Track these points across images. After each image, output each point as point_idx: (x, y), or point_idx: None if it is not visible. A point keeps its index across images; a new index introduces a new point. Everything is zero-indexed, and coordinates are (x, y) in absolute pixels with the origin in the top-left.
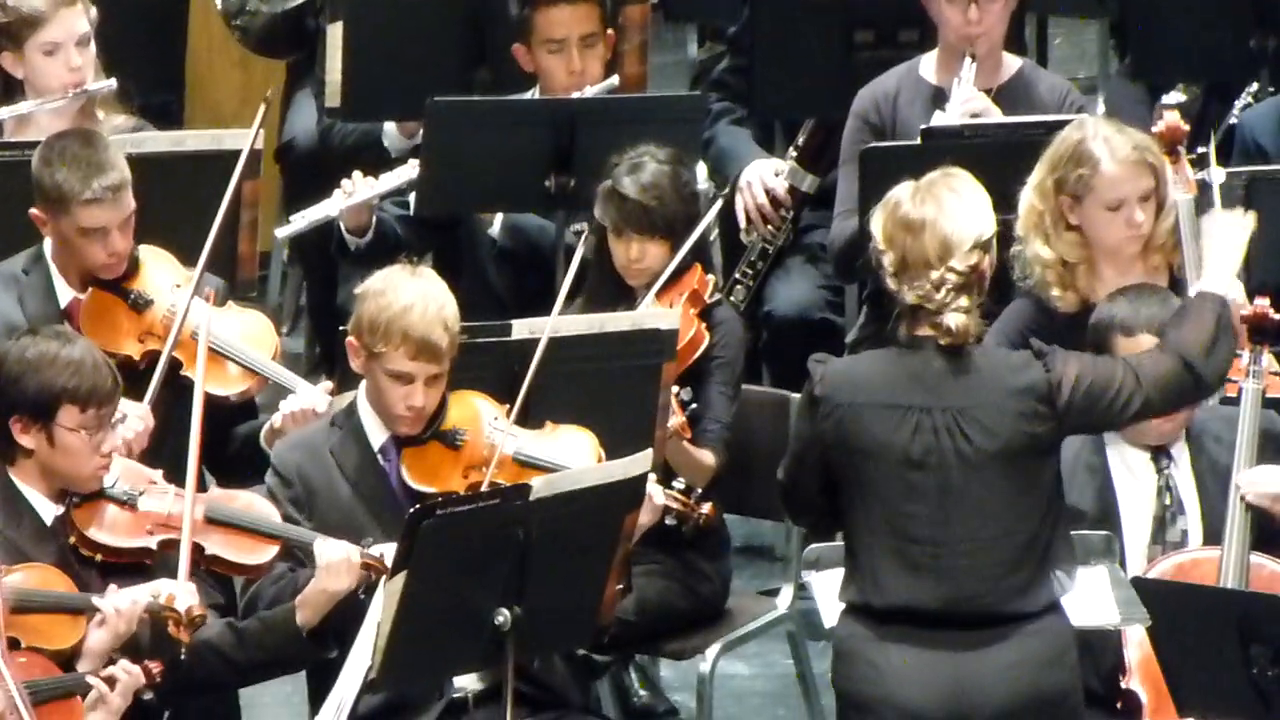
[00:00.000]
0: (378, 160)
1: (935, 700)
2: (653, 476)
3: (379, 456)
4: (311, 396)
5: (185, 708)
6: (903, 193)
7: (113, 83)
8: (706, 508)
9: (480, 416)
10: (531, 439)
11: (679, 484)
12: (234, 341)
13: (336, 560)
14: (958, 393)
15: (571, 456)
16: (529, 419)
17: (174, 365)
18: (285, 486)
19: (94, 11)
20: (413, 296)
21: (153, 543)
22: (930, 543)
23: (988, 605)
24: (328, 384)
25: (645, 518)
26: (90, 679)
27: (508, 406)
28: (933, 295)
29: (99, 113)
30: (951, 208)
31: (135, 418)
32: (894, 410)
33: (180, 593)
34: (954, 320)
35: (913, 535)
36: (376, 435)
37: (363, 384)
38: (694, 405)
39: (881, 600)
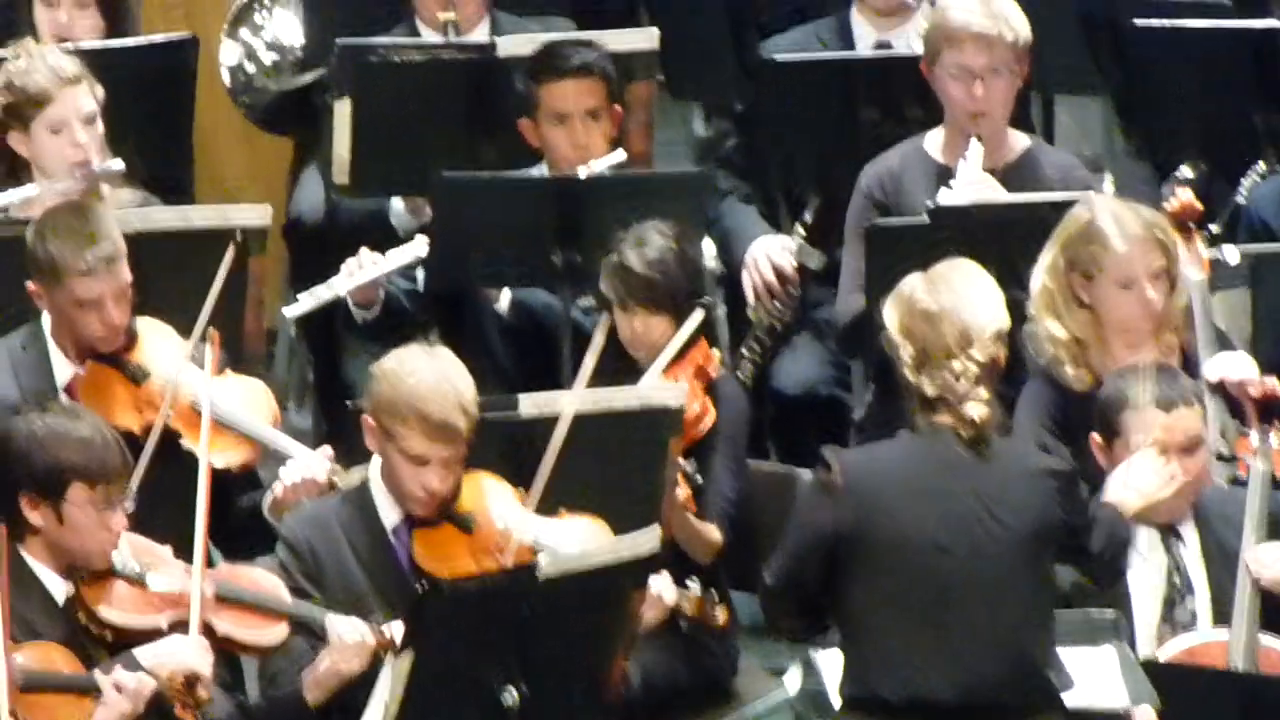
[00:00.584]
0: (385, 237)
1: None
2: (666, 574)
3: (391, 536)
4: (311, 463)
5: None
6: (915, 284)
7: (120, 163)
8: (720, 612)
9: (494, 501)
10: (546, 527)
11: (694, 586)
12: (231, 410)
13: (351, 641)
14: (985, 478)
15: (585, 546)
16: (542, 503)
17: (173, 436)
18: (298, 560)
19: (100, 90)
20: (431, 379)
21: (162, 621)
22: (952, 629)
23: (1003, 696)
24: (327, 449)
25: (652, 613)
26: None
27: (521, 491)
28: (954, 386)
29: (105, 188)
30: (969, 297)
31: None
32: (921, 498)
33: (191, 657)
34: (976, 411)
35: (934, 622)
36: (389, 514)
37: (376, 460)
38: (698, 477)
39: (895, 692)
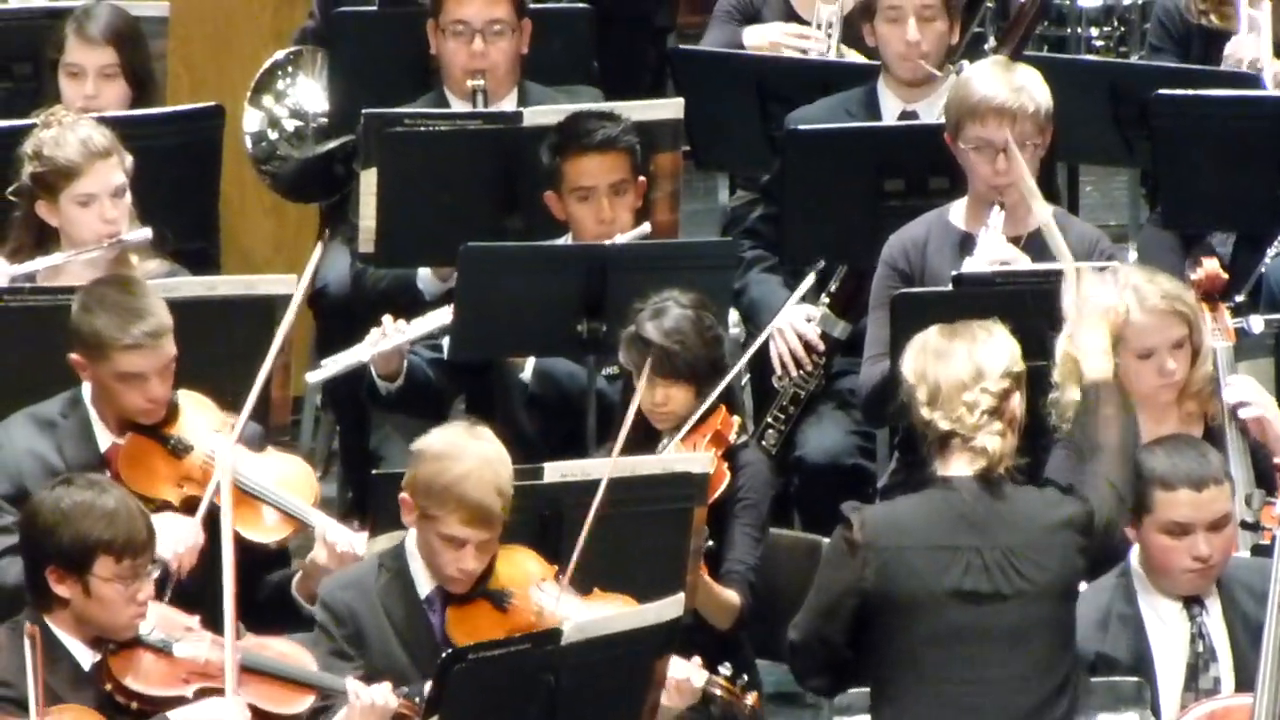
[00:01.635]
0: (411, 304)
1: None
2: (697, 660)
3: (425, 606)
4: (353, 538)
5: None
6: (931, 332)
7: (148, 232)
8: (751, 698)
9: (529, 578)
10: (579, 606)
11: (725, 670)
12: (272, 487)
13: (371, 704)
14: (1005, 530)
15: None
16: (576, 581)
17: (214, 512)
18: (339, 625)
19: (130, 161)
20: (471, 463)
21: (189, 691)
22: (976, 683)
23: None
24: (363, 534)
25: (681, 701)
26: None
27: (555, 569)
28: (965, 419)
29: (133, 258)
30: (982, 340)
31: (187, 532)
32: (943, 552)
33: (229, 716)
34: (990, 442)
35: (958, 677)
36: (424, 584)
37: (412, 530)
38: (710, 544)
39: None
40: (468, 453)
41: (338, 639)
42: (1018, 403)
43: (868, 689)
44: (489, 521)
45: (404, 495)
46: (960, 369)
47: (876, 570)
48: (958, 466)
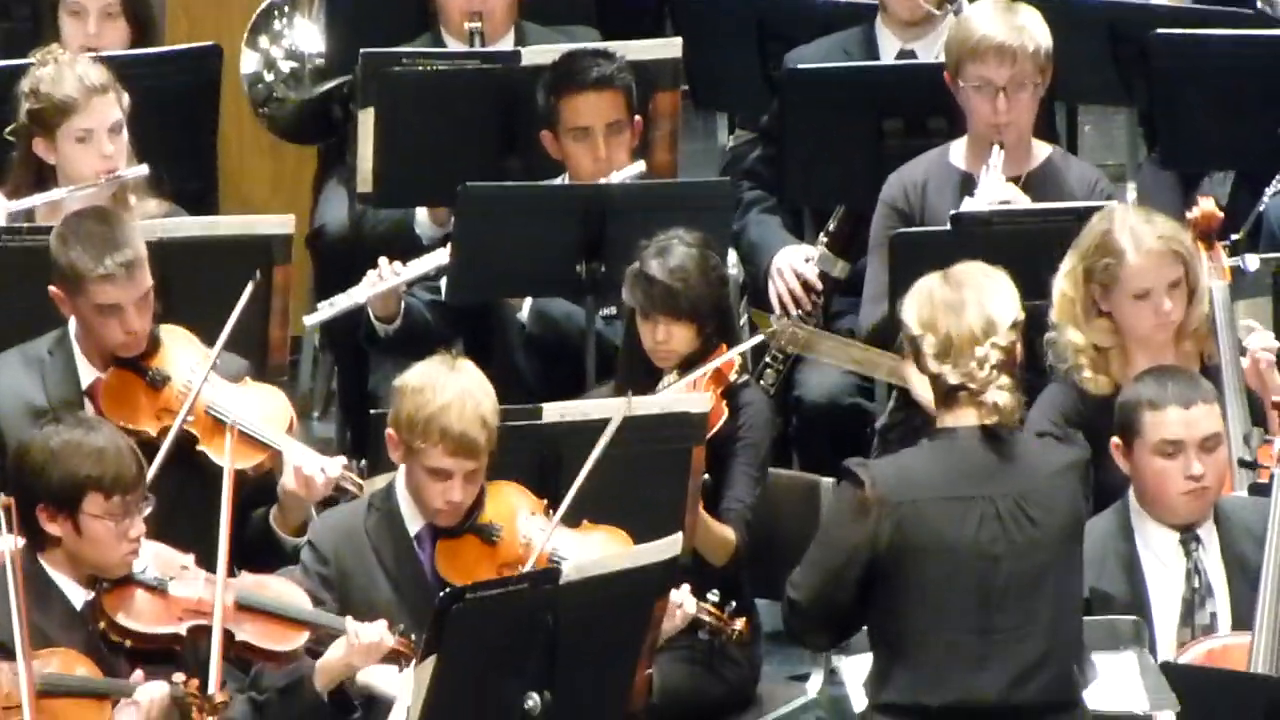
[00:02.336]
0: (409, 248)
1: None
2: (687, 587)
3: (414, 544)
4: (324, 462)
5: None
6: (934, 280)
7: (144, 169)
8: (740, 623)
9: (517, 512)
10: (568, 537)
11: (714, 596)
12: (246, 415)
13: (369, 641)
14: (1013, 478)
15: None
16: (566, 514)
17: (190, 441)
18: (320, 564)
19: (126, 99)
20: (452, 394)
21: (182, 629)
22: (995, 631)
23: (1044, 693)
24: (341, 458)
25: (670, 624)
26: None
27: (545, 503)
28: (976, 374)
29: (131, 198)
30: (989, 289)
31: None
32: (958, 502)
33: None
34: (999, 397)
35: (977, 626)
36: (413, 521)
37: (402, 468)
38: (707, 478)
39: (938, 698)
40: (448, 384)
41: (314, 576)
42: (1019, 350)
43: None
44: (473, 451)
45: (389, 431)
46: (972, 322)
47: (893, 526)
48: (965, 417)
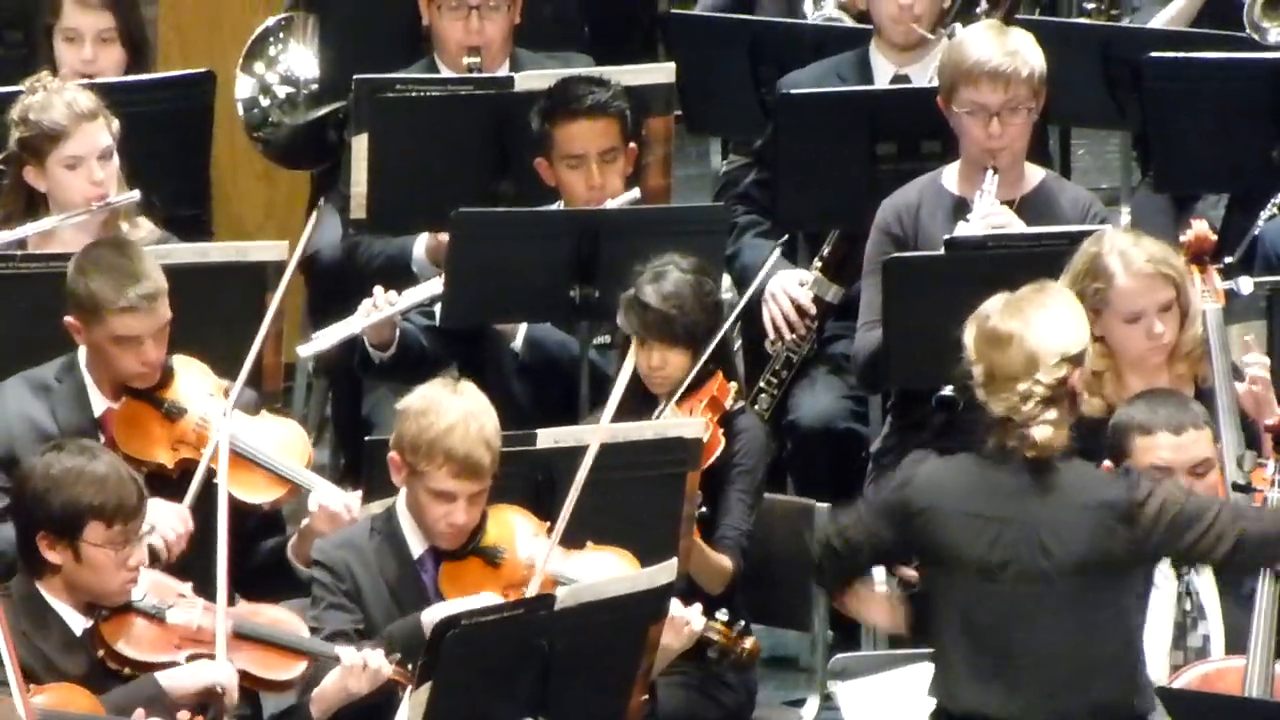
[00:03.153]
0: (406, 282)
1: None
2: (698, 607)
3: (417, 566)
4: (348, 499)
5: None
6: (993, 306)
7: (135, 195)
8: (749, 642)
9: (519, 534)
10: (570, 559)
11: (722, 615)
12: (267, 450)
13: (364, 667)
14: (1038, 507)
15: (610, 577)
16: (568, 537)
17: (208, 477)
18: (338, 580)
19: (116, 124)
20: (456, 416)
21: (181, 657)
22: (1001, 654)
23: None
24: (358, 493)
25: (677, 642)
26: None
27: (547, 525)
28: (1019, 408)
29: (123, 224)
30: (1038, 322)
31: (176, 519)
32: (976, 520)
33: (215, 673)
34: (1040, 433)
35: (984, 645)
36: (415, 545)
37: (402, 491)
38: (704, 509)
39: (955, 706)
40: (452, 407)
41: (337, 593)
42: (1077, 377)
43: (865, 653)
44: (477, 473)
45: (392, 455)
46: (1013, 360)
47: (918, 527)
48: (1012, 444)
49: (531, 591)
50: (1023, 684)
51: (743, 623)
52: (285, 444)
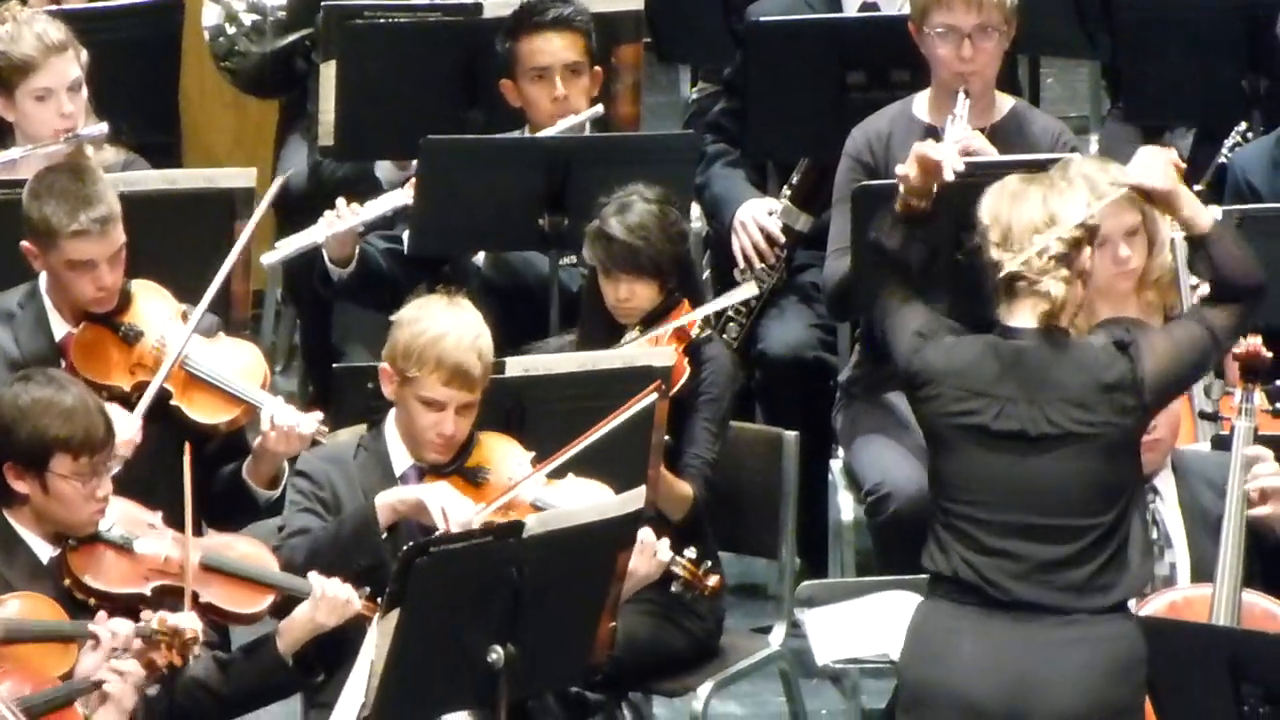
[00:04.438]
0: (370, 193)
1: (997, 695)
2: (666, 542)
3: (399, 483)
4: (300, 416)
5: None
6: (1011, 178)
7: (104, 127)
8: (714, 580)
9: (506, 458)
10: (552, 487)
11: (690, 552)
12: (223, 371)
13: (334, 599)
14: (1049, 383)
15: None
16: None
17: (164, 396)
18: (317, 488)
19: (85, 56)
20: (448, 324)
21: (147, 589)
22: (1006, 529)
23: (1057, 597)
24: (317, 414)
25: (645, 569)
26: (102, 672)
27: (533, 454)
28: (1033, 262)
29: (89, 149)
30: (1061, 190)
31: (123, 427)
32: (981, 398)
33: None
34: (1053, 287)
35: (990, 520)
36: (400, 460)
37: (392, 411)
38: (666, 439)
39: (959, 576)
40: (446, 315)
41: (313, 500)
42: (1088, 256)
43: (830, 580)
44: (468, 381)
45: (383, 366)
46: (1034, 212)
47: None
48: (1022, 316)
49: (505, 514)
50: (1024, 557)
51: (709, 561)
52: (240, 366)
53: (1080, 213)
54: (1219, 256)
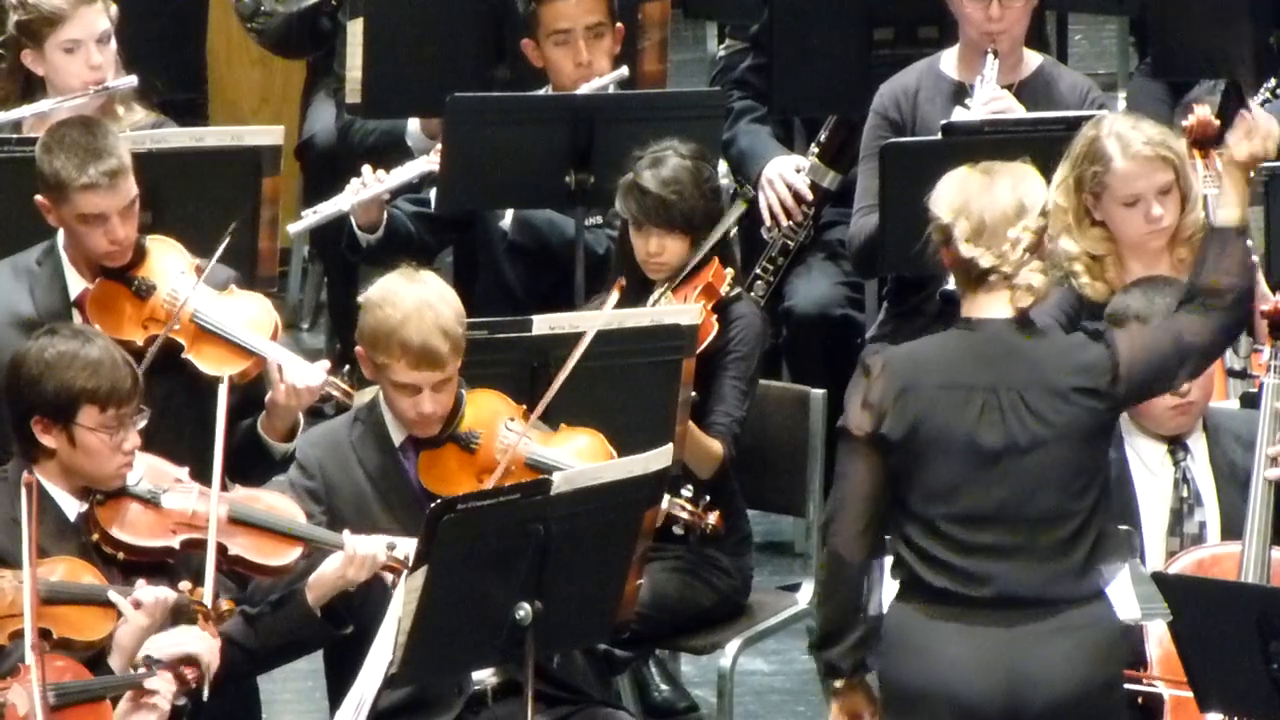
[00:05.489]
0: (399, 159)
1: (988, 692)
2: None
3: (399, 454)
4: (308, 371)
5: (206, 703)
6: (963, 170)
7: (133, 80)
8: (713, 517)
9: (496, 418)
10: (543, 442)
11: (687, 491)
12: (231, 322)
13: (365, 555)
14: (1022, 371)
15: (580, 459)
16: (546, 419)
17: (175, 348)
18: (306, 478)
19: (114, 9)
20: (409, 308)
21: (175, 542)
22: (989, 524)
23: (1043, 590)
24: (325, 362)
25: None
26: (148, 681)
27: (524, 407)
28: (1009, 256)
29: (119, 109)
30: (1019, 174)
31: None
32: (959, 390)
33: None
34: (1033, 279)
35: (971, 516)
36: (397, 433)
37: None
38: (694, 395)
39: (938, 582)
40: (406, 297)
41: (300, 492)
42: (1046, 237)
43: None
44: (436, 362)
45: (358, 348)
46: (1005, 203)
47: (897, 408)
48: (993, 307)
49: (501, 476)
50: (1007, 553)
51: (707, 497)
52: (250, 318)
53: (1041, 199)
54: (1234, 249)
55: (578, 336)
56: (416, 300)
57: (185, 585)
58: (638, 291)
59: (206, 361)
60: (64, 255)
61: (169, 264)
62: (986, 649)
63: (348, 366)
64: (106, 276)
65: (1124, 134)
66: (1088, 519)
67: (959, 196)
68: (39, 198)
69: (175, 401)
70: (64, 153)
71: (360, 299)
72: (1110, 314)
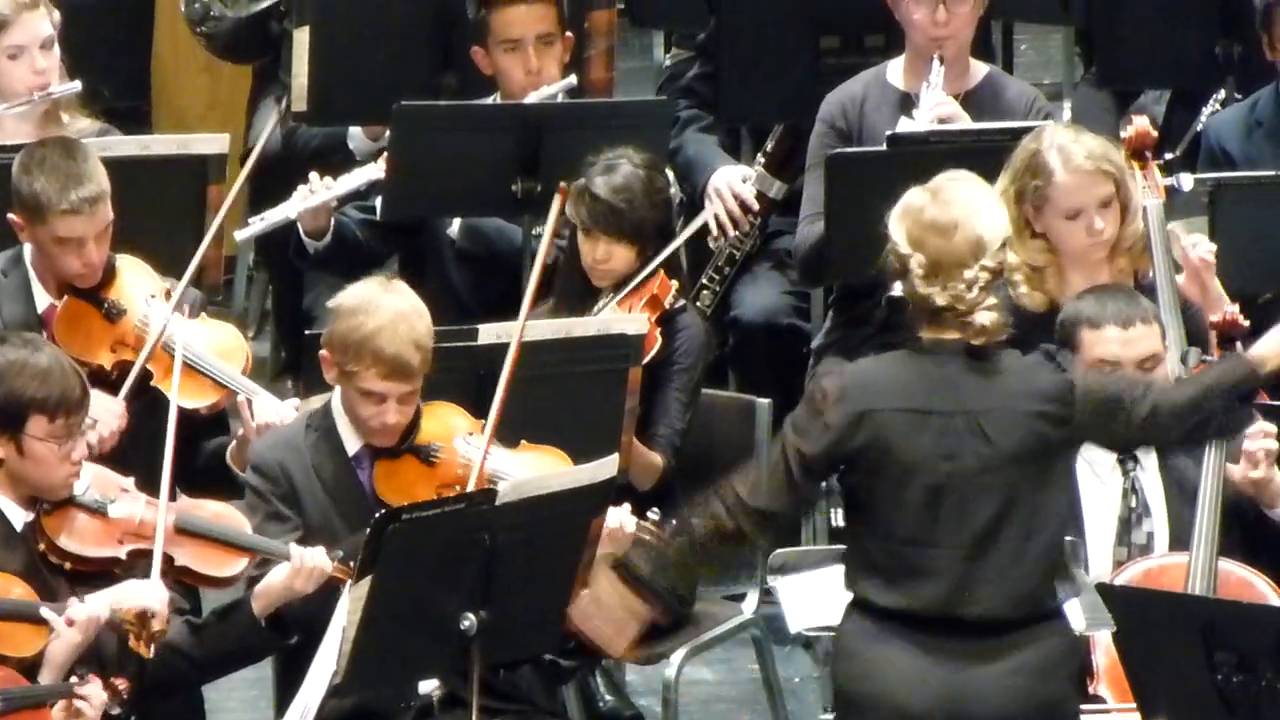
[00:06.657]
0: (342, 163)
1: (931, 703)
2: (627, 506)
3: (353, 464)
4: (280, 408)
5: (150, 710)
6: (921, 198)
7: (77, 85)
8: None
9: (455, 433)
10: (506, 457)
11: (653, 514)
12: (205, 354)
13: (311, 566)
14: (976, 395)
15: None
16: (503, 434)
17: (144, 376)
18: (272, 484)
19: (56, 14)
20: (385, 317)
21: (122, 552)
22: (942, 546)
23: (992, 610)
24: (295, 400)
25: (611, 547)
26: (77, 689)
27: (482, 423)
28: (964, 296)
29: (64, 116)
30: (977, 208)
31: (110, 414)
32: (915, 415)
33: (146, 596)
34: (986, 318)
35: (923, 539)
36: (351, 442)
37: (338, 388)
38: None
39: (884, 601)
40: (382, 307)
41: (273, 500)
42: (1007, 258)
43: (805, 548)
44: (407, 374)
45: (323, 352)
46: (961, 245)
47: (853, 431)
48: (947, 333)
49: (469, 488)
50: (959, 575)
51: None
52: (224, 348)
53: (999, 230)
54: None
55: (530, 344)
56: (392, 311)
57: (119, 603)
58: (581, 299)
59: (179, 393)
60: (30, 269)
61: (138, 286)
62: (932, 668)
63: (287, 381)
64: (75, 295)
65: (1065, 147)
66: (1047, 543)
67: (915, 230)
68: (12, 216)
69: (144, 426)
70: (44, 175)
71: (330, 304)
72: (1062, 321)
